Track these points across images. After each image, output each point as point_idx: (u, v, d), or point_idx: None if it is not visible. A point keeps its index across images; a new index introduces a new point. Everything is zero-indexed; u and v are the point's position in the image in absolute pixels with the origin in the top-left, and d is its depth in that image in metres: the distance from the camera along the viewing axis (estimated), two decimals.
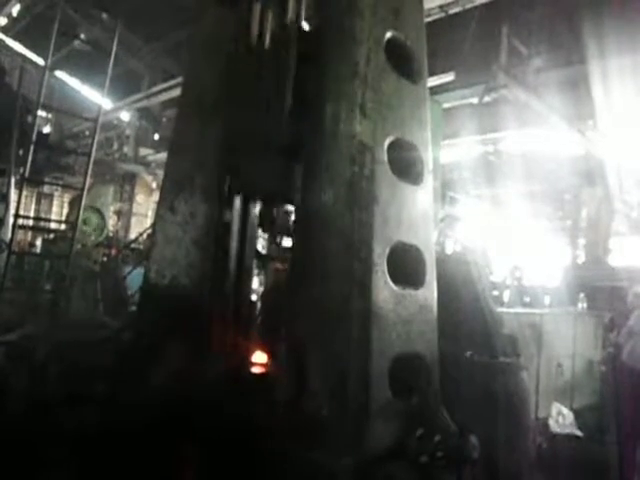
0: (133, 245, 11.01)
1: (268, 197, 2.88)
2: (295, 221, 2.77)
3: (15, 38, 15.79)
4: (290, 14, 2.79)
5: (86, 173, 5.66)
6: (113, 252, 10.62)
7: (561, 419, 5.73)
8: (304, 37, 2.71)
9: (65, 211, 14.69)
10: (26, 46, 15.51)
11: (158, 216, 3.05)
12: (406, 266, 2.45)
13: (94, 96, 15.04)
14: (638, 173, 10.31)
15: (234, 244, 2.88)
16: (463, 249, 3.58)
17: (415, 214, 2.52)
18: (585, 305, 7.90)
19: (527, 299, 7.73)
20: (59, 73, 13.46)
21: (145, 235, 10.33)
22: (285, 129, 2.61)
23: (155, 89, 14.63)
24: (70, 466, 2.32)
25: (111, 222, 14.14)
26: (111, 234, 13.56)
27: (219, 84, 2.91)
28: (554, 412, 5.75)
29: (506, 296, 7.48)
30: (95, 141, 5.77)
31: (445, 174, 9.28)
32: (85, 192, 5.69)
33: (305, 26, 2.80)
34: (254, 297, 3.09)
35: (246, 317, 2.84)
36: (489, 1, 8.34)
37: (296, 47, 2.66)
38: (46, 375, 3.08)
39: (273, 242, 3.32)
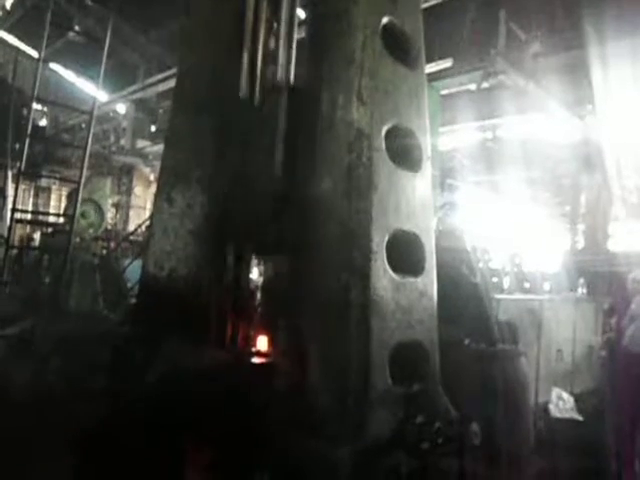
0: (132, 237, 10.99)
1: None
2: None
3: (9, 31, 15.67)
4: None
5: (82, 166, 5.62)
6: (112, 245, 10.61)
7: (561, 404, 5.76)
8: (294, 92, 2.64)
9: (63, 204, 14.64)
10: (20, 39, 15.39)
11: (155, 208, 3.03)
12: (405, 254, 2.44)
13: (89, 88, 14.94)
14: (637, 158, 10.26)
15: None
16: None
17: (414, 201, 2.51)
18: (585, 290, 7.93)
19: (527, 285, 7.75)
20: (54, 65, 13.34)
21: (143, 227, 10.31)
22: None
23: (151, 80, 14.53)
24: (70, 461, 2.33)
25: (109, 215, 14.08)
26: (109, 227, 13.53)
27: (214, 74, 2.88)
28: (554, 397, 5.78)
29: (506, 282, 7.49)
30: (91, 133, 5.73)
31: (444, 161, 9.25)
32: (82, 185, 5.66)
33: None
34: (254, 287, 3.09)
35: (246, 307, 2.84)
36: None
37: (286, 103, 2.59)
38: (47, 369, 3.09)
39: None
